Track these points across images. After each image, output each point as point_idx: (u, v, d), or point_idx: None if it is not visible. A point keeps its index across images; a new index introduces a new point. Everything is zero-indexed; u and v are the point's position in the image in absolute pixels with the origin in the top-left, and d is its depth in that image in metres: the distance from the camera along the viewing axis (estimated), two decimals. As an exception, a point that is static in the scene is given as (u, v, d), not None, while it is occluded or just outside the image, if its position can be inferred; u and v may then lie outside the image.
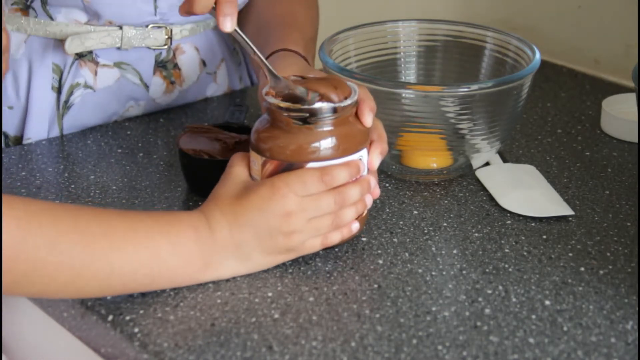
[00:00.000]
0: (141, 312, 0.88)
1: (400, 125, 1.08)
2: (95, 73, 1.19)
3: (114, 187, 1.09)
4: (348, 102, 0.93)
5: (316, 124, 0.92)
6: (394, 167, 1.10)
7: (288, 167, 0.93)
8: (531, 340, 0.85)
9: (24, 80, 1.18)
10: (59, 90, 1.19)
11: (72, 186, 1.09)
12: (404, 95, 1.06)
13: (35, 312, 0.97)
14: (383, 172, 1.11)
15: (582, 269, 0.95)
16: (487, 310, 0.89)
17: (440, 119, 1.07)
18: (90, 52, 1.19)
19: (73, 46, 1.16)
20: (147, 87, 1.23)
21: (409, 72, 1.20)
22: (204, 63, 1.27)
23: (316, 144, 0.93)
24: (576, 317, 0.88)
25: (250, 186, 0.92)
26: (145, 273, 0.88)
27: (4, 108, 1.19)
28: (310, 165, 0.93)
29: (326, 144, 0.93)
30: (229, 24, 0.91)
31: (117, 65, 1.20)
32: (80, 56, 1.18)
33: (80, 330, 0.91)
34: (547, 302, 0.90)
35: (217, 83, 1.30)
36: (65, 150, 1.17)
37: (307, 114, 0.92)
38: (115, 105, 1.23)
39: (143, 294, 0.90)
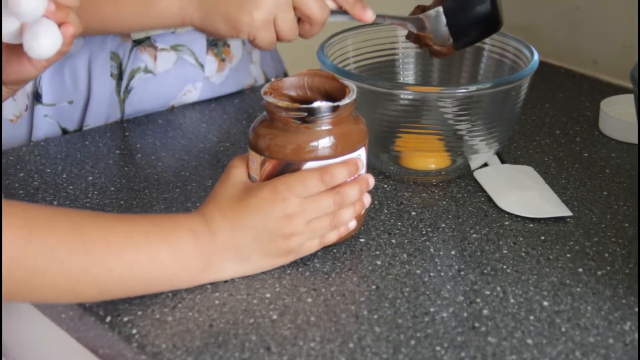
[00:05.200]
0: (139, 313, 0.88)
1: (399, 126, 1.08)
2: (155, 57, 1.24)
3: (112, 189, 1.08)
4: (346, 100, 0.93)
5: (315, 123, 0.92)
6: (392, 168, 1.10)
7: (287, 166, 0.93)
8: (529, 341, 0.85)
9: (83, 72, 1.21)
10: (119, 77, 1.23)
11: (70, 187, 1.09)
12: (402, 96, 1.06)
13: (34, 314, 0.97)
14: (381, 173, 1.11)
15: (580, 269, 0.95)
16: (485, 311, 0.89)
17: (438, 120, 1.07)
18: (148, 38, 1.24)
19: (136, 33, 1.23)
20: (202, 66, 1.27)
21: (408, 73, 1.20)
22: (243, 41, 1.32)
23: (315, 143, 0.93)
24: (574, 318, 0.88)
25: (251, 188, 0.92)
26: (144, 277, 0.87)
27: (64, 104, 1.21)
28: (309, 164, 0.93)
29: (325, 143, 0.93)
30: (370, 14, 1.09)
31: (174, 48, 1.26)
32: (138, 42, 1.23)
33: (78, 332, 0.91)
34: (545, 303, 0.90)
35: (253, 62, 1.34)
36: (63, 151, 1.17)
37: (306, 113, 0.92)
38: (174, 89, 1.27)
39: (141, 296, 0.90)
